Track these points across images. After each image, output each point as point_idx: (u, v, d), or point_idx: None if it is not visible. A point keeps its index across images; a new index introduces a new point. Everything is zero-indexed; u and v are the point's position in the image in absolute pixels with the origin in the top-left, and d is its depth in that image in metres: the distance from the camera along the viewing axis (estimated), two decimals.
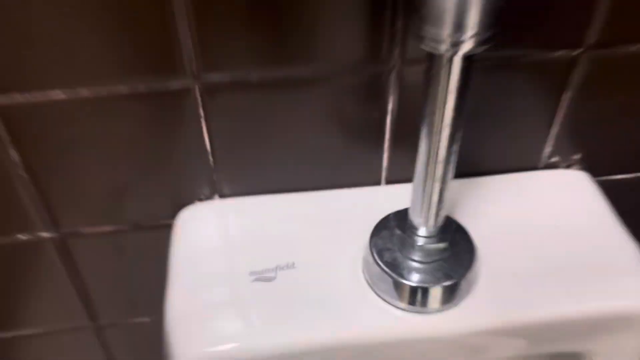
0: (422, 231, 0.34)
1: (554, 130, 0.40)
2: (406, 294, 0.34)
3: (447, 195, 0.32)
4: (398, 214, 0.36)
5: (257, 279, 0.36)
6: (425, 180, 0.31)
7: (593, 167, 0.43)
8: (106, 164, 0.38)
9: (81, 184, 0.39)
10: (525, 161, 0.42)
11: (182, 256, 0.38)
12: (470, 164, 0.41)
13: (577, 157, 0.43)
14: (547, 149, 0.42)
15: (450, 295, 0.34)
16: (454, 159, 0.30)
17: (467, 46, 0.25)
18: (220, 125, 0.37)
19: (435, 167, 0.30)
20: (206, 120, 0.36)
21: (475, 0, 0.23)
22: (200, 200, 0.41)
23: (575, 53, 0.36)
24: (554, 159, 0.42)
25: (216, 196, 0.41)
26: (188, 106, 0.35)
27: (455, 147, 0.30)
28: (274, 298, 0.35)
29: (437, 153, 0.30)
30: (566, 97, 0.39)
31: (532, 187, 0.42)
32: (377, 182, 0.41)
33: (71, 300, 0.46)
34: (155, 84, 0.34)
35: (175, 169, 0.39)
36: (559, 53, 0.36)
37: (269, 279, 0.36)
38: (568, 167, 0.43)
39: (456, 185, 0.41)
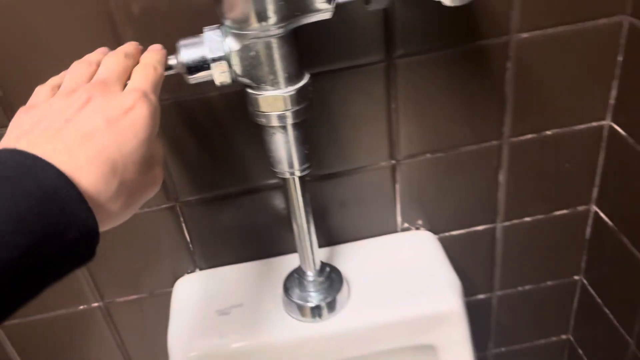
0: (309, 274, 0.59)
1: (398, 208, 0.66)
2: (307, 311, 0.59)
3: (317, 251, 0.57)
4: (298, 268, 0.61)
5: (220, 314, 0.61)
6: (301, 247, 0.57)
7: (434, 228, 0.68)
8: (132, 258, 0.64)
9: (117, 273, 0.65)
10: (386, 228, 0.67)
11: (177, 307, 0.64)
12: (351, 233, 0.67)
13: (420, 222, 0.68)
14: (399, 219, 0.67)
15: (331, 308, 0.59)
16: (313, 230, 0.56)
17: (297, 173, 0.51)
18: (194, 226, 0.63)
19: (303, 237, 0.56)
20: (185, 224, 0.63)
21: (294, 155, 0.50)
22: (188, 273, 0.67)
23: (392, 162, 0.62)
24: (405, 225, 0.68)
25: (197, 270, 0.67)
26: (173, 217, 0.62)
27: (312, 224, 0.55)
28: (229, 324, 0.60)
29: (302, 228, 0.55)
30: (398, 189, 0.64)
31: (391, 244, 0.67)
32: (294, 251, 0.67)
33: (111, 348, 0.71)
34: (155, 207, 0.61)
35: (171, 257, 0.65)
36: (383, 163, 0.62)
37: (227, 314, 0.61)
38: (417, 229, 0.68)
39: (342, 247, 0.66)
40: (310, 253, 0.57)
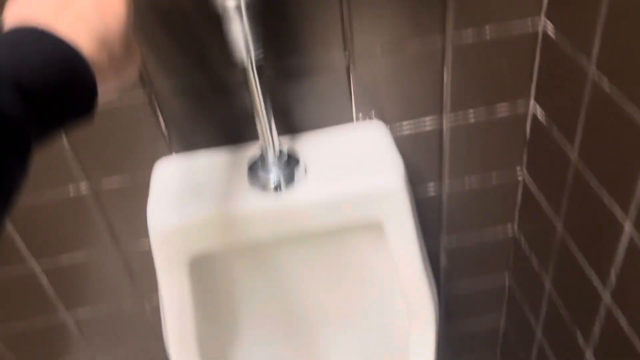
0: (270, 154, 0.67)
1: (353, 100, 0.73)
2: (268, 186, 0.68)
3: (275, 133, 0.65)
4: (261, 149, 0.69)
5: (193, 191, 0.70)
6: (261, 129, 0.64)
7: (384, 119, 0.76)
8: (114, 143, 0.72)
9: (102, 157, 0.73)
10: (345, 119, 0.75)
11: (156, 186, 0.72)
12: (310, 123, 0.74)
13: (372, 113, 0.75)
14: (354, 110, 0.75)
15: (289, 184, 0.67)
16: (270, 112, 0.63)
17: (253, 55, 0.58)
18: (169, 113, 0.71)
19: (262, 118, 0.63)
20: (161, 111, 0.70)
21: (249, 38, 0.57)
22: (165, 156, 0.75)
23: (346, 54, 0.69)
24: (360, 116, 0.75)
25: (173, 153, 0.75)
26: (149, 104, 0.70)
27: (270, 107, 0.63)
28: (201, 199, 0.69)
29: (261, 110, 0.63)
30: (352, 81, 0.72)
31: (345, 132, 0.75)
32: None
33: (99, 225, 0.80)
34: (132, 95, 0.68)
35: (149, 141, 0.73)
36: (338, 56, 0.69)
37: (199, 190, 0.69)
38: (370, 119, 0.76)
39: (301, 135, 0.74)
40: (269, 134, 0.65)
